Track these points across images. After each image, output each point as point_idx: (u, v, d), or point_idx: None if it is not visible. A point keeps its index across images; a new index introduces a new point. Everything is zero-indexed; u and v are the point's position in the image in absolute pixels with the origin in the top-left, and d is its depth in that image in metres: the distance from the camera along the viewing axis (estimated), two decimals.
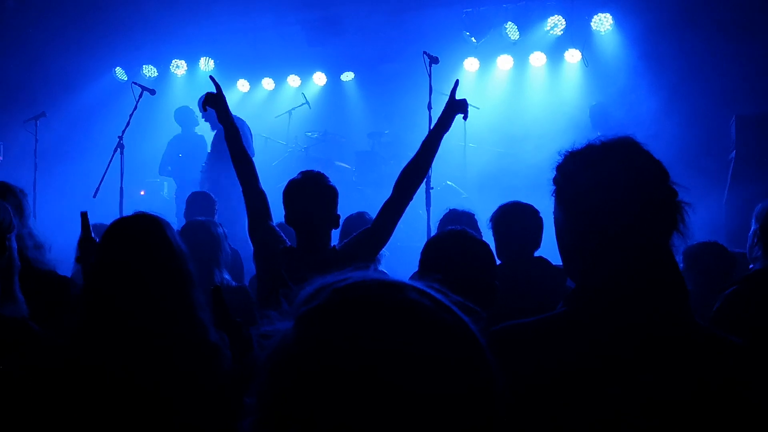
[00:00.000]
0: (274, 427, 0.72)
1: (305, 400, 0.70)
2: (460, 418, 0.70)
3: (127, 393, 1.72)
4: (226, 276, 3.27)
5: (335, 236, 3.29)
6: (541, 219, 3.15)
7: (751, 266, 3.14)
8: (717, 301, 2.66)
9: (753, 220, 2.92)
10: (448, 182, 8.39)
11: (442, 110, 3.04)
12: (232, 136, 2.99)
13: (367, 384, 0.69)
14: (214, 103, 3.07)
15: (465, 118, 3.09)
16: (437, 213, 4.47)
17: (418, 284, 0.79)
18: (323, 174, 2.79)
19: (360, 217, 4.10)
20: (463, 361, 0.74)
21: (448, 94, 3.12)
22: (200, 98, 7.11)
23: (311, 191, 2.71)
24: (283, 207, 2.78)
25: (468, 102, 3.08)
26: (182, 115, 8.27)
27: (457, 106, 3.06)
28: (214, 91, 3.09)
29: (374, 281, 0.77)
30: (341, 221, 3.99)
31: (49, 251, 2.66)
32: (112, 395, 1.72)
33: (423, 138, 3.01)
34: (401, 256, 5.67)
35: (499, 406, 0.75)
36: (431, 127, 3.04)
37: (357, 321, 0.73)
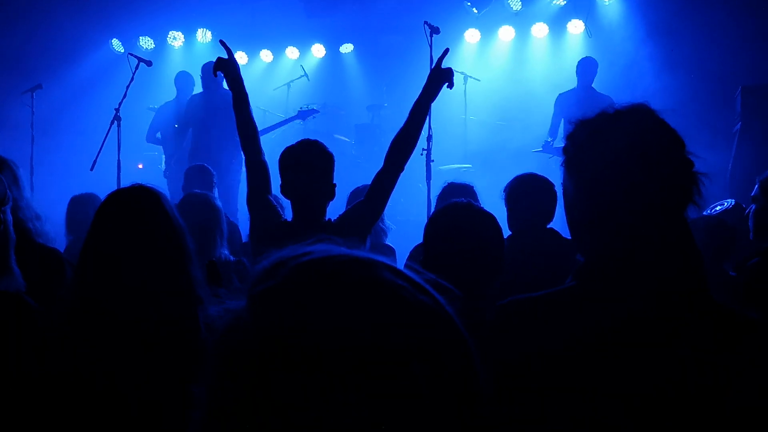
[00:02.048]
0: (225, 421, 0.63)
1: (261, 391, 0.61)
2: (439, 405, 0.63)
3: (121, 370, 1.69)
4: (225, 251, 3.23)
5: (337, 209, 3.25)
6: (555, 192, 3.10)
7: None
8: (740, 274, 2.59)
9: (759, 194, 2.82)
10: (443, 167, 8.26)
11: (427, 78, 2.93)
12: (241, 103, 2.93)
13: (337, 374, 0.60)
14: (224, 68, 3.00)
15: (450, 86, 2.96)
16: (437, 187, 4.41)
17: (389, 261, 0.70)
18: (320, 142, 2.75)
19: (365, 190, 4.05)
20: (443, 345, 0.66)
21: (449, 66, 3.03)
22: (204, 65, 7.00)
23: (308, 158, 2.67)
24: (279, 177, 2.73)
25: (454, 70, 2.99)
26: (182, 80, 7.96)
27: (442, 75, 2.93)
28: (225, 56, 3.02)
29: (341, 257, 0.68)
30: (346, 196, 3.97)
31: (47, 222, 2.64)
32: (103, 372, 1.68)
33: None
34: (401, 229, 5.64)
35: (480, 389, 0.68)
36: (417, 97, 2.93)
37: (323, 302, 0.64)
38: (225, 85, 3.06)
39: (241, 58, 10.03)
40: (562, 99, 7.33)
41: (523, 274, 1.97)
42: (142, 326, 1.74)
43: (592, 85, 7.24)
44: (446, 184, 3.86)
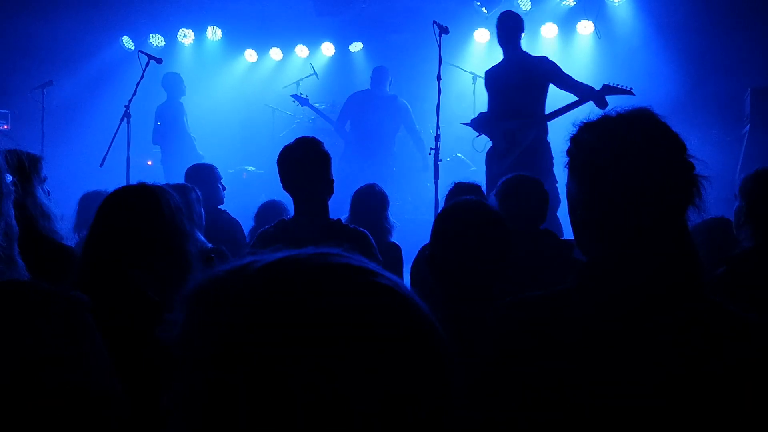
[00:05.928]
0: (198, 420, 0.65)
1: (224, 390, 0.63)
2: (409, 392, 0.64)
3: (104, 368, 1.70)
4: (201, 237, 3.26)
5: (342, 206, 3.31)
6: (546, 192, 3.12)
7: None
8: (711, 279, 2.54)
9: (739, 195, 2.80)
10: (458, 154, 8.34)
11: None
12: None
13: (300, 359, 0.62)
14: None
15: None
16: (445, 186, 4.40)
17: (350, 254, 0.73)
18: (317, 139, 2.90)
19: (370, 188, 4.08)
20: (413, 327, 0.67)
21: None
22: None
23: (305, 155, 2.82)
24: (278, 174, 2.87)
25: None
26: (169, 81, 8.09)
27: None
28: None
29: (293, 255, 0.71)
30: (351, 193, 4.02)
31: (59, 221, 2.66)
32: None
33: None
34: (408, 228, 5.66)
35: (452, 380, 0.69)
36: None
37: (291, 288, 0.66)
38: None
39: (250, 56, 10.08)
40: (488, 75, 5.81)
41: (520, 275, 1.98)
42: (132, 327, 1.75)
43: (524, 49, 5.82)
44: (453, 184, 3.89)
